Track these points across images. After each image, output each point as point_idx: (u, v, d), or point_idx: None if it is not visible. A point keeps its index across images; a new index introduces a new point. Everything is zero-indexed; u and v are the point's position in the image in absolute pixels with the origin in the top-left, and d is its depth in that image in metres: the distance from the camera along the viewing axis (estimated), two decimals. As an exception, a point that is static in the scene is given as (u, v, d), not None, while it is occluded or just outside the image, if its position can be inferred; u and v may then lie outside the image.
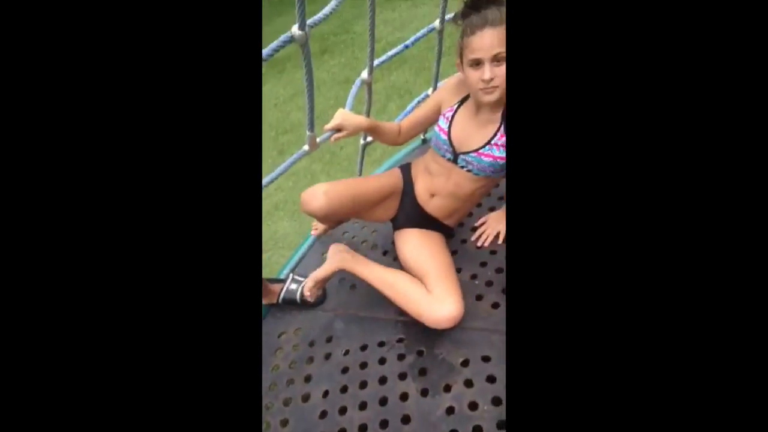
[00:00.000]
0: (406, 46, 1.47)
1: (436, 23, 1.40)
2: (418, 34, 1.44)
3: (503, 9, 0.87)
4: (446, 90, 1.08)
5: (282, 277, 1.27)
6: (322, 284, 1.16)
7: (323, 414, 0.95)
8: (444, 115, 1.04)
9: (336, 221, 1.16)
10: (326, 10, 0.97)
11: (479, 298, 1.05)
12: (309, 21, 0.87)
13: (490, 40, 0.85)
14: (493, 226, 1.18)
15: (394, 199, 1.15)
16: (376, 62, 1.33)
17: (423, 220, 1.12)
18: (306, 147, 1.04)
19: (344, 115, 1.03)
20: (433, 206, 1.10)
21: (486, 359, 0.92)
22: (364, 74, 1.35)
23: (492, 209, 1.26)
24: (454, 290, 0.97)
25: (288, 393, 1.02)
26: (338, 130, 1.03)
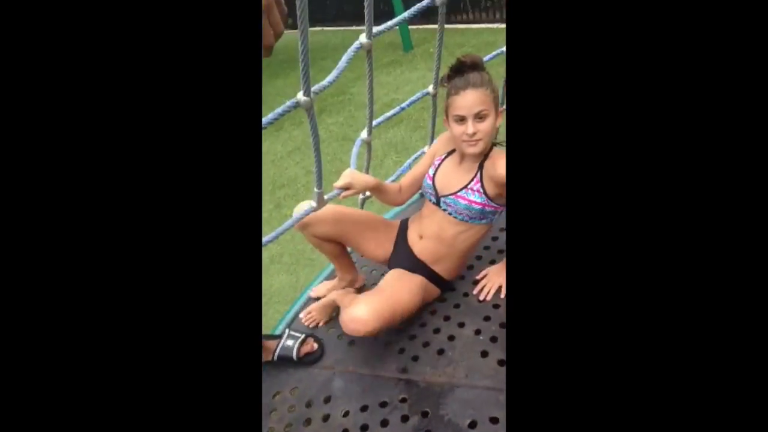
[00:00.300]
0: (402, 108, 1.53)
1: (430, 88, 1.47)
2: (413, 97, 1.50)
3: (484, 74, 0.99)
4: (440, 143, 1.19)
5: (277, 333, 1.23)
6: (319, 313, 1.24)
7: (321, 483, 0.88)
8: (434, 163, 1.15)
9: (327, 242, 1.18)
10: (330, 77, 1.02)
11: (485, 354, 1.01)
12: (314, 88, 0.91)
13: (472, 99, 0.96)
14: (494, 279, 1.17)
15: (386, 236, 1.21)
16: (374, 122, 1.37)
17: (411, 262, 1.15)
18: (313, 203, 1.05)
19: (353, 174, 1.09)
20: (420, 248, 1.14)
21: (494, 420, 0.88)
22: (364, 134, 1.39)
23: (493, 262, 1.26)
24: (374, 303, 0.99)
25: (283, 460, 0.95)
26: (346, 188, 1.08)
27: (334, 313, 1.26)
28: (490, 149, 1.06)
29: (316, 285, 1.38)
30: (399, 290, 1.07)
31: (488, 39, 4.51)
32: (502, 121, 1.04)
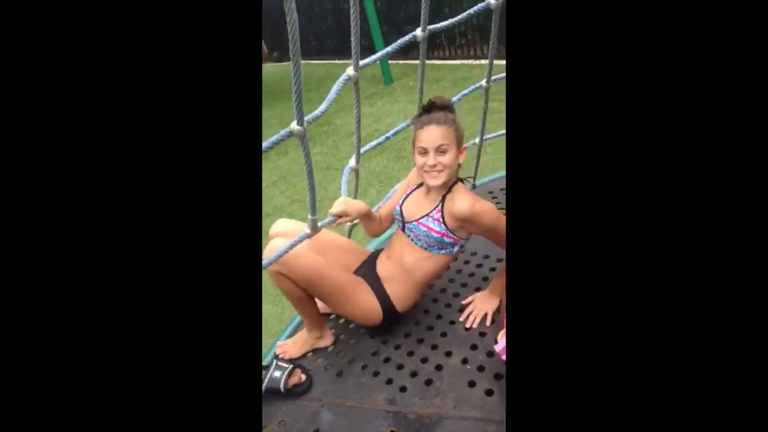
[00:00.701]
0: (388, 137, 1.57)
1: None
2: (398, 127, 1.55)
3: (449, 114, 1.08)
4: (413, 174, 1.26)
5: (264, 363, 1.22)
6: (292, 349, 1.26)
7: None
8: (405, 192, 1.22)
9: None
10: (322, 108, 1.06)
11: (472, 384, 1.02)
12: (307, 117, 0.94)
13: (435, 134, 1.05)
14: (480, 306, 1.19)
15: (357, 259, 1.26)
16: (361, 150, 1.40)
17: (369, 274, 1.20)
18: (307, 230, 1.06)
19: (347, 202, 1.13)
20: (382, 267, 1.21)
21: (484, 451, 0.88)
22: (352, 162, 1.42)
23: (478, 290, 1.28)
24: (306, 248, 1.08)
25: (269, 498, 0.92)
26: (341, 215, 1.12)
27: (308, 350, 1.26)
28: (454, 184, 1.13)
29: (281, 340, 1.35)
30: (331, 263, 1.14)
31: (464, 75, 4.69)
32: (464, 159, 1.11)
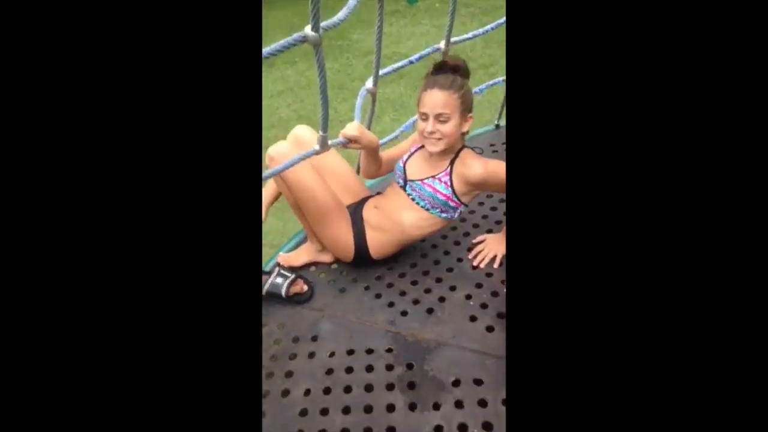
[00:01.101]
0: (411, 62, 1.46)
1: (441, 44, 1.40)
2: (424, 51, 1.43)
3: (458, 78, 1.03)
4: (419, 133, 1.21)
5: (267, 269, 1.23)
6: (294, 260, 1.26)
7: (303, 412, 0.92)
8: (410, 149, 1.19)
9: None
10: (341, 14, 0.95)
11: (473, 319, 1.05)
12: (323, 24, 0.85)
13: (435, 100, 1.01)
14: (491, 246, 1.20)
15: (350, 194, 1.23)
16: (380, 72, 1.31)
17: (355, 215, 1.19)
18: (317, 147, 1.02)
19: (361, 129, 1.09)
20: (368, 213, 1.18)
21: (478, 382, 0.92)
22: (369, 84, 1.33)
23: (489, 232, 1.28)
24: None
25: (266, 386, 0.97)
26: (352, 140, 1.08)
27: (309, 261, 1.27)
28: (461, 149, 1.10)
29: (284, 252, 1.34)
30: (326, 179, 1.14)
31: (496, 3, 4.35)
32: (468, 127, 1.07)
